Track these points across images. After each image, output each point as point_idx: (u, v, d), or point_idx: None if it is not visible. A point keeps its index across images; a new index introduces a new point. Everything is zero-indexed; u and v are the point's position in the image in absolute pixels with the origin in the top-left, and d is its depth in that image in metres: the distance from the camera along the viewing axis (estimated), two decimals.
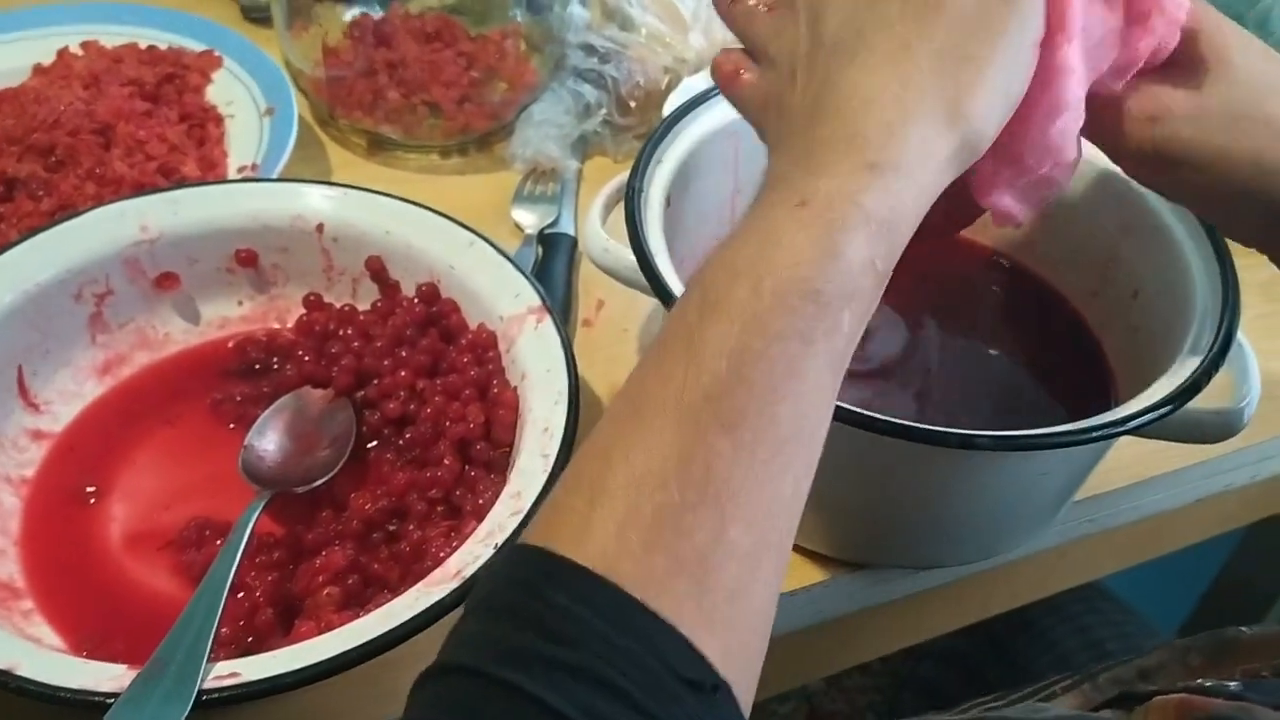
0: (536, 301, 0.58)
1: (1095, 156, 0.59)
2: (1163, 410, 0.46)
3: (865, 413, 0.45)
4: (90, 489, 0.56)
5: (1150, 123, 0.43)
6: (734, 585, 0.31)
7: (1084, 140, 0.61)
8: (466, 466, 0.55)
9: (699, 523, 0.31)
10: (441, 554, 0.50)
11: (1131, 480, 0.63)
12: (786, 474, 0.33)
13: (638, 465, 0.31)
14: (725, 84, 0.43)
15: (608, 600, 0.29)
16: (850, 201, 0.34)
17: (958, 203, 0.42)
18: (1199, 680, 0.46)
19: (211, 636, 0.45)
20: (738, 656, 0.31)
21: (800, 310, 0.33)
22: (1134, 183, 0.58)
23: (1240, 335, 0.52)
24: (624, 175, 0.55)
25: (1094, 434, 0.46)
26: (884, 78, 0.36)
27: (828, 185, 0.34)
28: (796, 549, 0.56)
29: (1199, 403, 0.49)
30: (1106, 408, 0.49)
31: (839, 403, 0.45)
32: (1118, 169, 0.58)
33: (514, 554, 0.32)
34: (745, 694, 0.31)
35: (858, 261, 0.34)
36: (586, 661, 0.28)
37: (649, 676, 0.29)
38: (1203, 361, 0.49)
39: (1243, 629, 0.50)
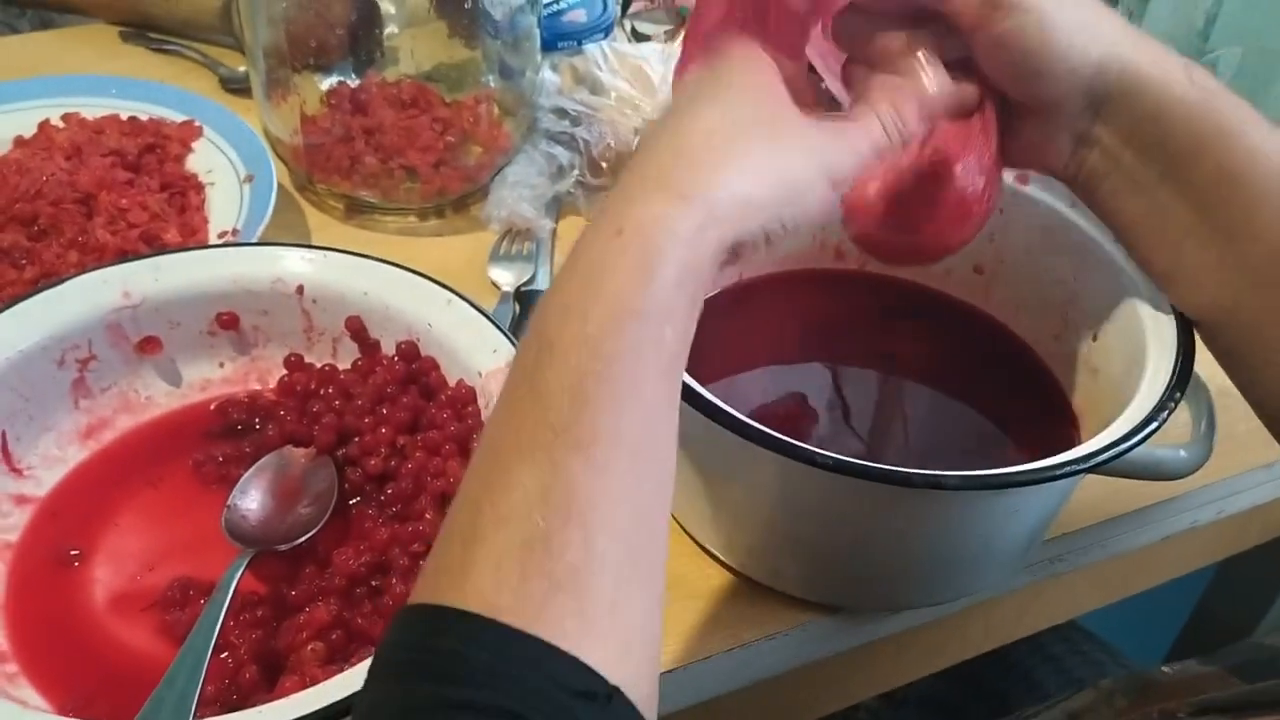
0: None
1: (1049, 200, 0.61)
2: (1123, 447, 0.48)
3: (837, 457, 0.46)
4: (74, 551, 0.56)
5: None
6: (613, 595, 0.32)
7: (1032, 190, 0.63)
8: None
9: (567, 542, 0.32)
10: None
11: (1098, 519, 0.64)
12: (644, 483, 0.35)
13: (503, 506, 0.33)
14: None
15: (492, 636, 0.31)
16: (659, 226, 0.36)
17: None
18: None
19: (196, 693, 0.45)
20: (627, 661, 0.32)
21: (627, 330, 0.35)
22: (1084, 223, 0.60)
23: (1199, 372, 0.54)
24: None
25: (1057, 472, 0.47)
26: (707, 123, 0.40)
27: (640, 213, 0.37)
28: (772, 593, 0.57)
29: (1160, 441, 0.50)
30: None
31: (817, 450, 0.46)
32: (1069, 213, 0.60)
33: (400, 616, 0.33)
34: (643, 694, 0.32)
35: (670, 281, 0.36)
36: (480, 696, 0.30)
37: (542, 698, 0.30)
38: (1161, 397, 0.50)
39: (1165, 669, 0.51)
